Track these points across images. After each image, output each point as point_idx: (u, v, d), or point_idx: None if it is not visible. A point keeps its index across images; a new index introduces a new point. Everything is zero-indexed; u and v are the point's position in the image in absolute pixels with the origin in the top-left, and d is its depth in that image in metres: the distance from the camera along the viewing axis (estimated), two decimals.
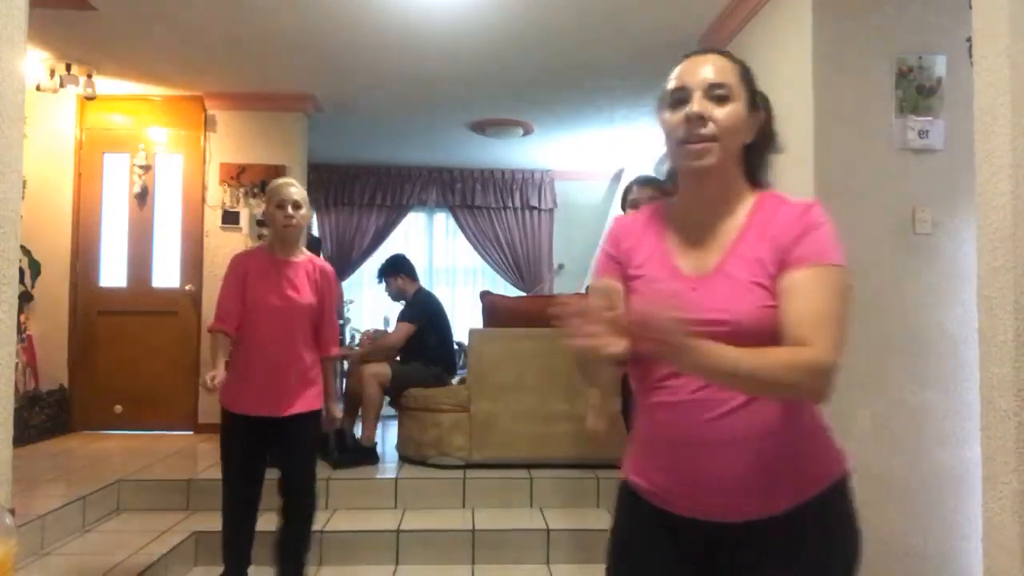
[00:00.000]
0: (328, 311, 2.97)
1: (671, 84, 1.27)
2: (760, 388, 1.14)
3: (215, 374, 2.71)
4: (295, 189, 2.89)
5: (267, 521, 2.95)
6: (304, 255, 2.95)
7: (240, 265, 2.91)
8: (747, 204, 1.28)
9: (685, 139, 1.22)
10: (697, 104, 1.22)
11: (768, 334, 1.16)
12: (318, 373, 2.95)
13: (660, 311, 1.03)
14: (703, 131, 1.21)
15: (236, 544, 2.90)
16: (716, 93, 1.22)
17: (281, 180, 2.97)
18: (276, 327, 2.83)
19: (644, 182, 2.94)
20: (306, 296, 2.87)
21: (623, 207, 3.00)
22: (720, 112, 1.22)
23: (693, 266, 1.27)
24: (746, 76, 1.27)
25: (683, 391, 1.21)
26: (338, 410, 3.10)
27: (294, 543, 2.91)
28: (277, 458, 2.90)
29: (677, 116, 1.23)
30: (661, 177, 2.93)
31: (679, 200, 1.33)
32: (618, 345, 1.06)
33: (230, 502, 2.89)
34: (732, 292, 1.20)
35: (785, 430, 1.21)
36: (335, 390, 3.05)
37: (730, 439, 1.19)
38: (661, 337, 1.03)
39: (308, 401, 2.88)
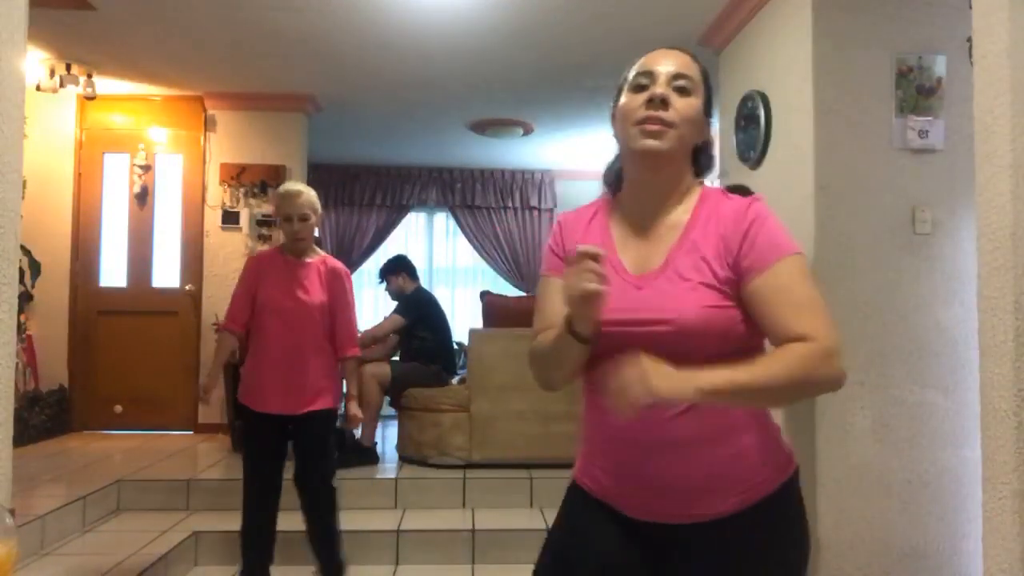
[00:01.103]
0: (342, 311, 2.94)
1: (635, 70, 1.27)
2: (778, 394, 1.14)
3: (208, 387, 2.88)
4: (303, 199, 2.87)
5: (291, 521, 2.98)
6: (317, 255, 2.97)
7: (253, 266, 2.98)
8: (694, 197, 1.28)
9: (644, 119, 1.21)
10: (661, 87, 1.22)
11: (712, 335, 1.16)
12: (333, 372, 2.95)
13: (623, 381, 1.05)
14: (664, 114, 1.21)
15: (257, 542, 2.92)
16: (679, 84, 1.23)
17: (287, 189, 2.92)
18: (287, 328, 2.86)
19: (736, 189, 2.94)
20: (315, 296, 2.88)
21: None
22: (681, 102, 1.22)
23: (638, 262, 1.25)
24: (706, 79, 1.28)
25: None
26: (358, 410, 3.09)
27: (320, 535, 2.95)
28: (295, 455, 2.96)
29: (639, 98, 1.23)
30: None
31: (626, 191, 1.32)
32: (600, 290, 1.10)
33: (251, 497, 2.91)
34: (677, 291, 1.18)
35: (737, 431, 1.20)
36: (355, 390, 3.05)
37: (684, 441, 1.17)
38: (635, 404, 1.04)
39: (322, 399, 2.89)
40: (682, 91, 1.23)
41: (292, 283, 2.88)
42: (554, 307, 1.25)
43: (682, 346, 1.14)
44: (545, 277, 1.34)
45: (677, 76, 1.23)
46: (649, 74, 1.24)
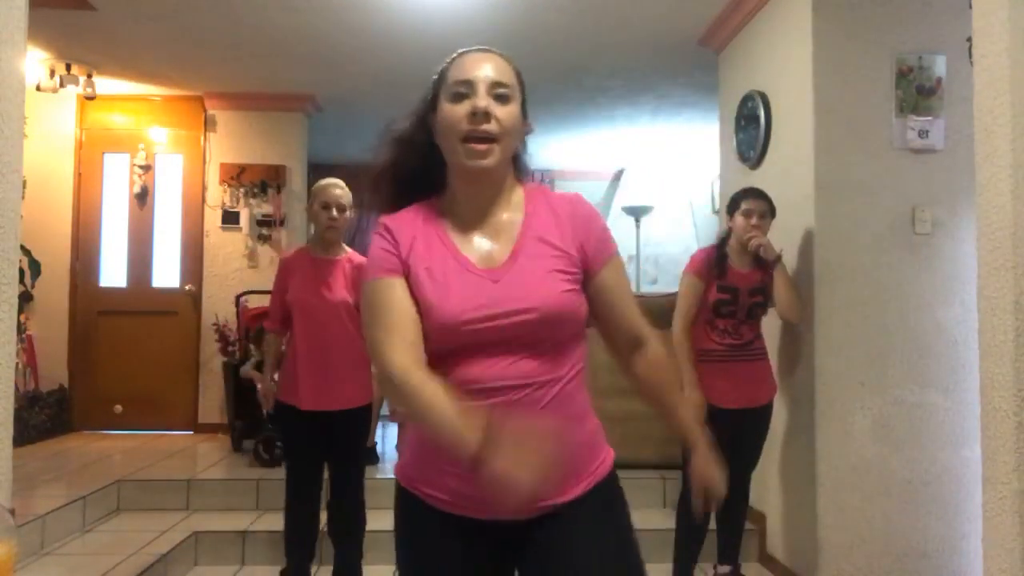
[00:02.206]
0: None
1: (454, 76, 1.25)
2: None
3: (267, 392, 2.99)
4: (341, 192, 2.91)
5: None
6: (344, 253, 2.98)
7: (284, 266, 3.01)
8: (519, 196, 1.31)
9: (468, 135, 1.21)
10: (483, 100, 1.21)
11: (570, 319, 1.23)
12: (364, 370, 2.91)
13: None
14: (488, 127, 1.21)
15: (301, 540, 2.93)
16: (499, 92, 1.23)
17: (327, 181, 2.97)
18: (314, 324, 2.87)
19: (759, 195, 2.95)
20: (338, 293, 2.88)
21: (730, 213, 2.99)
22: (502, 111, 1.23)
23: (483, 259, 1.25)
24: (521, 81, 1.29)
25: (496, 395, 1.18)
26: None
27: (347, 532, 2.95)
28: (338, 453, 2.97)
29: (461, 109, 1.22)
30: None
31: (451, 196, 1.30)
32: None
33: (294, 495, 2.92)
34: (533, 280, 1.22)
35: (585, 419, 1.28)
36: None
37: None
38: None
39: (354, 396, 2.89)
40: (502, 99, 1.23)
41: (317, 281, 2.89)
42: (402, 310, 1.21)
43: (543, 332, 1.20)
44: (384, 279, 1.23)
45: (496, 84, 1.23)
46: (468, 83, 1.23)
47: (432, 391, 1.14)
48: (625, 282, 1.33)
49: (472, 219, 1.28)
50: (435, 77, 1.30)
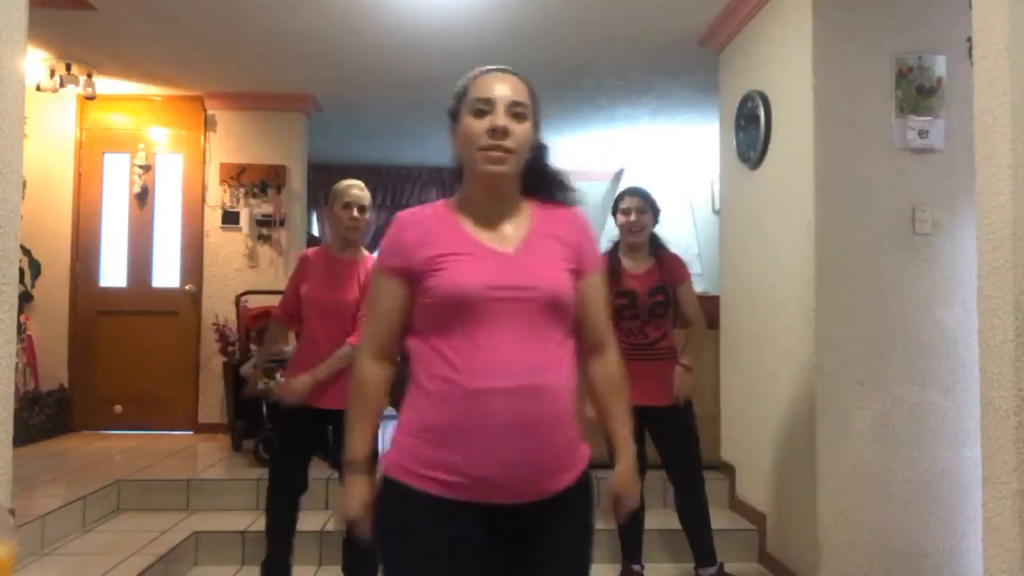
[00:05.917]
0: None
1: (475, 94, 1.40)
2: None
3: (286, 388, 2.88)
4: (361, 192, 2.97)
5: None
6: (362, 255, 3.01)
7: (303, 261, 3.08)
8: (526, 205, 1.47)
9: (488, 147, 1.37)
10: (501, 119, 1.37)
11: (568, 306, 1.39)
12: None
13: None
14: (505, 143, 1.36)
15: (282, 534, 2.93)
16: (516, 111, 1.39)
17: (348, 182, 3.03)
18: (325, 323, 2.90)
19: (635, 192, 3.15)
20: (350, 294, 2.91)
21: (614, 214, 3.16)
22: (518, 128, 1.39)
23: (499, 243, 1.40)
24: (535, 100, 1.46)
25: (516, 376, 1.30)
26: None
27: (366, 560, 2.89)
28: (333, 455, 2.96)
29: (481, 125, 1.37)
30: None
31: (466, 198, 1.45)
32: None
33: (277, 490, 2.93)
34: (541, 265, 1.39)
35: (574, 410, 1.40)
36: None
37: (554, 419, 1.33)
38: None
39: None
40: (518, 117, 1.39)
41: (331, 280, 2.93)
42: (385, 310, 1.43)
43: (547, 313, 1.35)
44: (382, 275, 1.45)
45: (514, 104, 1.39)
46: (488, 101, 1.38)
47: (370, 391, 1.50)
48: (604, 292, 1.54)
49: (484, 217, 1.42)
50: (457, 91, 1.44)
